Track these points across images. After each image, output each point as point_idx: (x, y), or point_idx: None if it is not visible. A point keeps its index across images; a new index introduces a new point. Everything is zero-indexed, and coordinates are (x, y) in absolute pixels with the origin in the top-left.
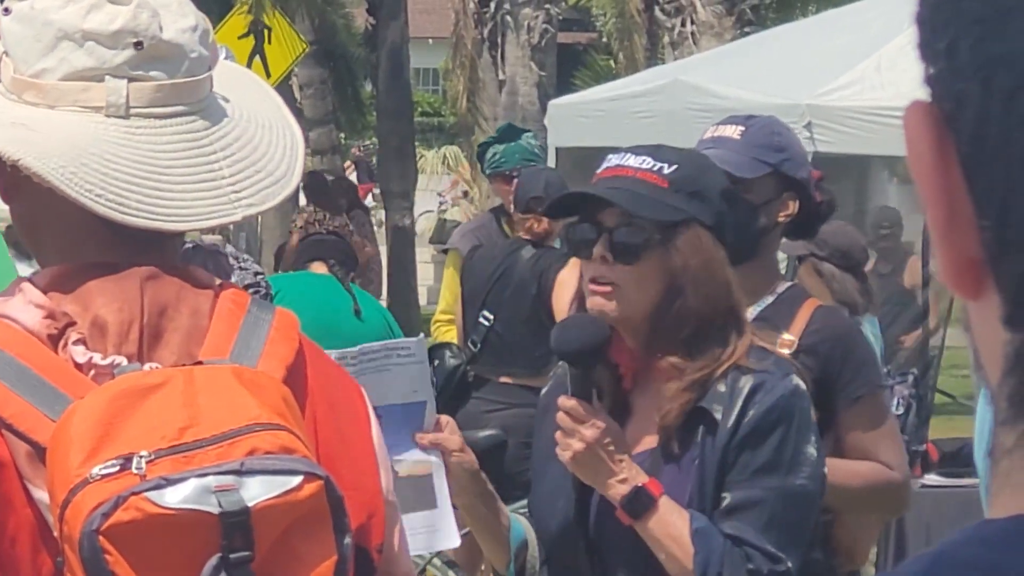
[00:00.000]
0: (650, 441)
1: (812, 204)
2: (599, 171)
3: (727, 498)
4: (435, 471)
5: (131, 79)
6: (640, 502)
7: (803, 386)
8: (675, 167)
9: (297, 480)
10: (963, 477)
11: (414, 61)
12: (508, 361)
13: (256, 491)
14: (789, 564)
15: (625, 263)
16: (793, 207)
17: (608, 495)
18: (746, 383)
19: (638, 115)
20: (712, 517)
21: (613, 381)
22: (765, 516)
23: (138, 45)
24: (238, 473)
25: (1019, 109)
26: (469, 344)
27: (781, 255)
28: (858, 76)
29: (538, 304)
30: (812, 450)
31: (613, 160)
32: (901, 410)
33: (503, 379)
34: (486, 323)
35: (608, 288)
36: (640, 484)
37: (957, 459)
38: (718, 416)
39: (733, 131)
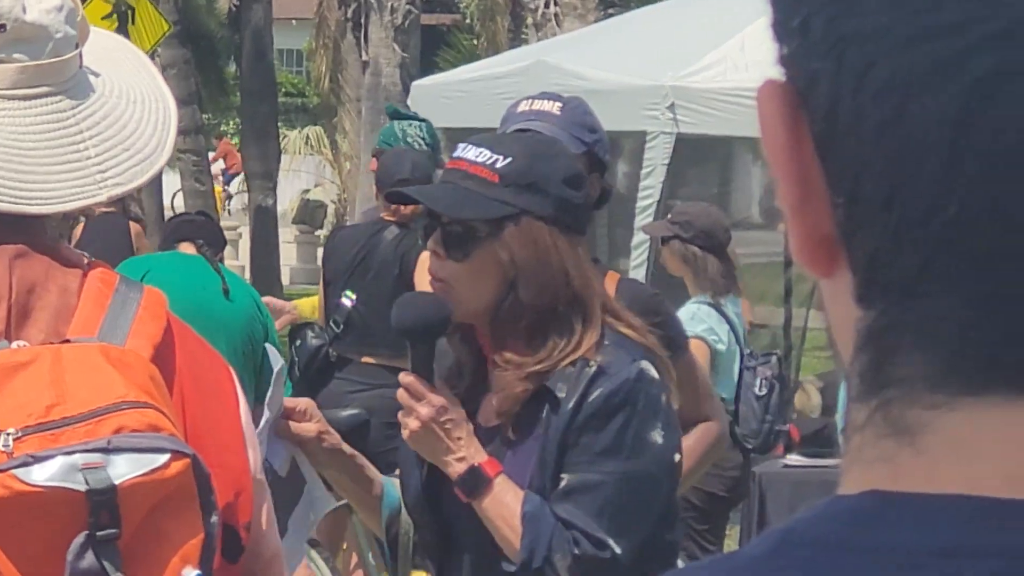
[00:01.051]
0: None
1: (605, 187)
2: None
3: (564, 480)
4: (294, 451)
5: None
6: (475, 481)
7: (652, 372)
8: (509, 160)
9: (164, 458)
10: (825, 457)
11: (277, 42)
12: (370, 342)
13: (123, 469)
14: (617, 551)
15: (455, 259)
16: (596, 189)
17: (447, 473)
18: (592, 366)
19: (501, 96)
20: (551, 498)
21: (475, 357)
22: (599, 501)
23: (0, 28)
24: (105, 451)
25: (872, 86)
26: (331, 324)
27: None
28: (721, 57)
29: (400, 285)
30: (658, 437)
31: (457, 151)
32: (764, 391)
33: (365, 359)
34: (348, 303)
35: (441, 286)
36: (476, 463)
37: (819, 439)
38: (562, 396)
39: (552, 106)
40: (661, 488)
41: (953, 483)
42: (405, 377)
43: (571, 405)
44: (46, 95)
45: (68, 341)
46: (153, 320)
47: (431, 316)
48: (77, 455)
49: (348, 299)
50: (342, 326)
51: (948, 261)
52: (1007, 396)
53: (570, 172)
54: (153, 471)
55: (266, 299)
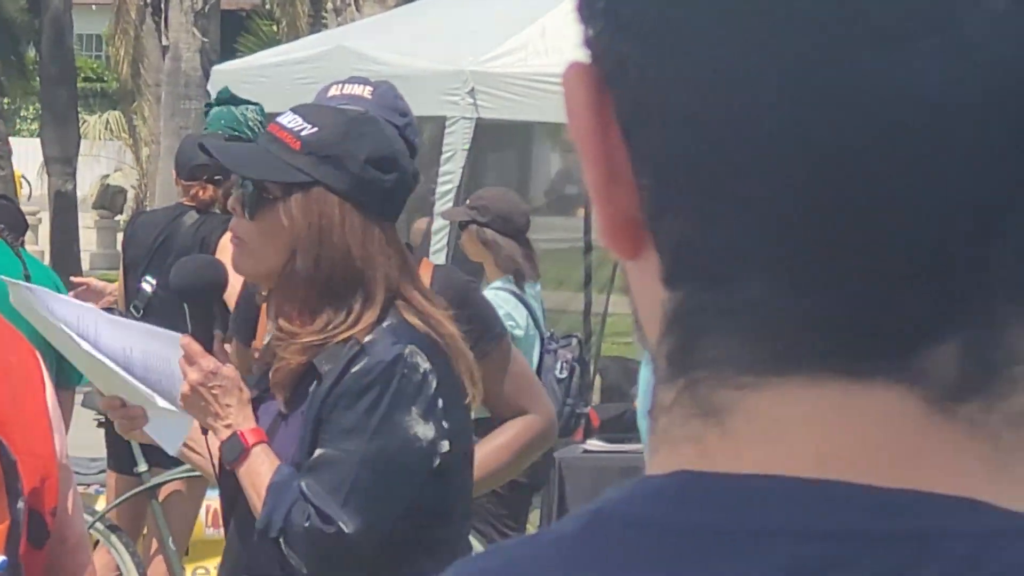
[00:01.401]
0: None
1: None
2: None
3: (315, 454)
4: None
5: None
6: (234, 448)
7: (417, 359)
8: (316, 130)
9: None
10: (625, 443)
11: (77, 27)
12: (171, 326)
13: None
14: (347, 528)
15: (249, 218)
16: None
17: (216, 437)
18: (357, 346)
19: (302, 81)
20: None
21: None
22: (336, 478)
23: None
24: None
25: (679, 70)
26: (132, 309)
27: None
28: (522, 42)
29: None
30: (414, 424)
31: (278, 117)
32: (565, 374)
33: None
34: (149, 288)
35: (237, 243)
36: (238, 431)
37: (619, 424)
38: (325, 372)
39: (362, 90)
40: (412, 475)
41: (761, 463)
42: (182, 339)
43: (330, 382)
44: None
45: None
46: None
47: (204, 277)
48: None
49: (148, 284)
50: (142, 311)
51: (755, 245)
52: (814, 376)
53: (378, 153)
54: None
55: (87, 280)
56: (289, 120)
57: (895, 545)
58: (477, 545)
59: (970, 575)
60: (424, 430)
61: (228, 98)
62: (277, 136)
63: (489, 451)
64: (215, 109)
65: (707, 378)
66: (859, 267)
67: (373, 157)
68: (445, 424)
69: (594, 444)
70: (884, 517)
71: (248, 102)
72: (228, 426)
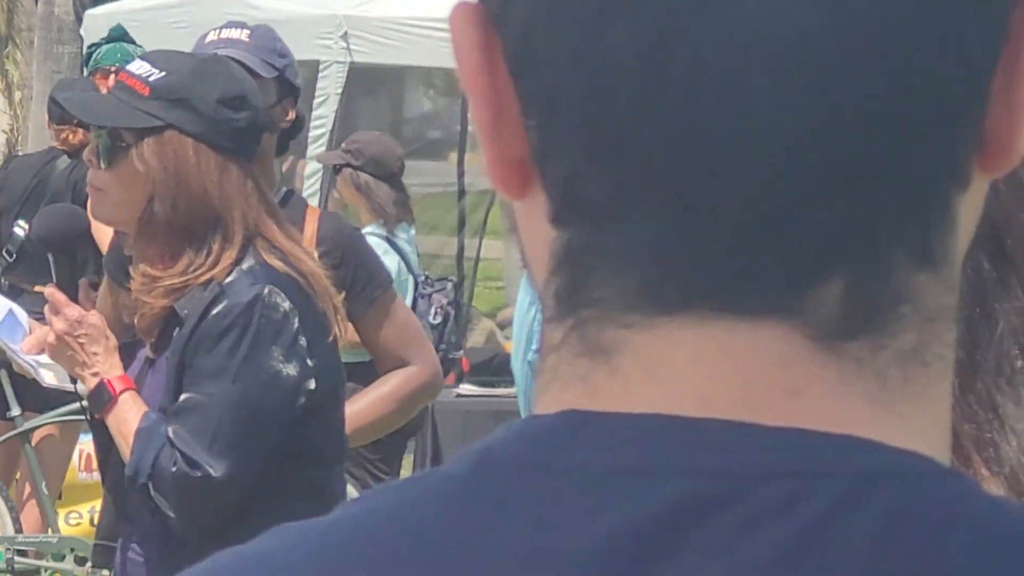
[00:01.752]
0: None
1: (298, 115)
2: None
3: (180, 399)
4: None
5: None
6: (101, 396)
7: (277, 299)
8: (164, 74)
9: None
10: (497, 387)
11: None
12: (43, 271)
13: None
14: (214, 472)
15: (105, 167)
16: (291, 114)
17: (85, 386)
18: (216, 288)
19: (174, 25)
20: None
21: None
22: (200, 421)
23: None
24: None
25: (566, 12)
26: (4, 254)
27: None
28: None
29: None
30: (277, 364)
31: (127, 65)
32: (439, 319)
33: (38, 288)
34: (21, 233)
35: (95, 193)
36: (105, 379)
37: (489, 368)
38: (185, 315)
39: (240, 34)
40: (278, 415)
41: (648, 403)
42: (47, 289)
43: (191, 325)
44: None
45: None
46: None
47: (65, 227)
48: None
49: (21, 228)
50: (15, 255)
51: (642, 184)
52: (701, 316)
53: (229, 93)
54: None
55: None
56: (138, 67)
57: (774, 483)
58: (351, 490)
59: (849, 512)
60: (287, 369)
61: (121, 35)
62: (127, 84)
63: (371, 400)
64: (109, 45)
65: (595, 317)
66: (742, 206)
67: (224, 97)
68: (310, 362)
69: (467, 388)
70: (764, 455)
71: (135, 43)
72: (95, 374)
